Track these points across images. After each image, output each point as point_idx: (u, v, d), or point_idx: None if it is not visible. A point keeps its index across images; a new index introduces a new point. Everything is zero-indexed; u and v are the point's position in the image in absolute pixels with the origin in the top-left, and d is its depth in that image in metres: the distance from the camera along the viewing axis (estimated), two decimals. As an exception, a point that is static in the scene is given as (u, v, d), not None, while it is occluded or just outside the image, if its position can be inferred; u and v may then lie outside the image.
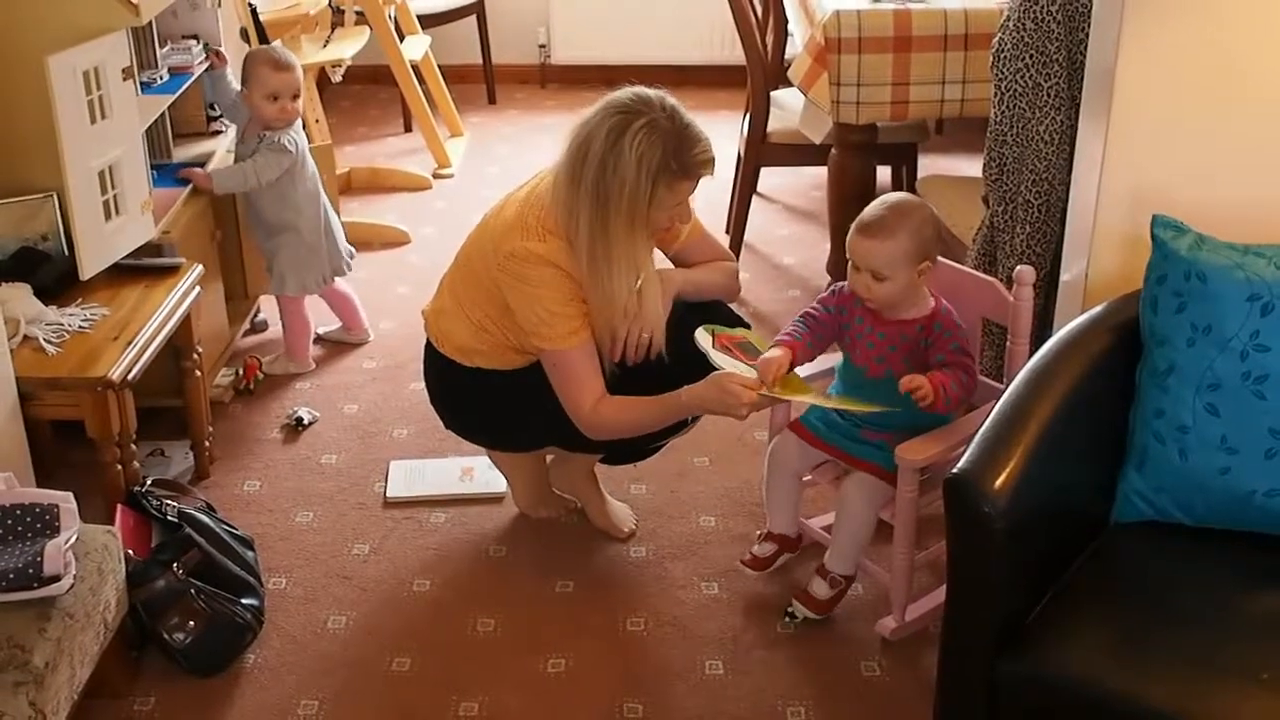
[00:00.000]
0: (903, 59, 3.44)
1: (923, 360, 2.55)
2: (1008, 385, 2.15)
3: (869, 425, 2.59)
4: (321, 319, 3.83)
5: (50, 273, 2.91)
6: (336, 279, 3.69)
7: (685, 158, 2.46)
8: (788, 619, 2.68)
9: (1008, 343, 2.64)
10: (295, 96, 3.43)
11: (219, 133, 3.74)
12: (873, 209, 2.54)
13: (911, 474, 2.48)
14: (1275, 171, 2.36)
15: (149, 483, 2.80)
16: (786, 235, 4.53)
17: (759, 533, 2.80)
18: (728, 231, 4.29)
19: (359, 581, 2.85)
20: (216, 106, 3.73)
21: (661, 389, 2.58)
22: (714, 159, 2.51)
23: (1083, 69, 2.50)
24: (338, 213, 3.78)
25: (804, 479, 2.77)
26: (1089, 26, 2.49)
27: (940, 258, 2.71)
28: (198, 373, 3.14)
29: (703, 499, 3.11)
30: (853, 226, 2.55)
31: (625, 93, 2.49)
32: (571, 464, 2.96)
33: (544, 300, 2.55)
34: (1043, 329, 2.77)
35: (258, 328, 3.91)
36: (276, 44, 3.74)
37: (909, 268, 2.50)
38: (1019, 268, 2.58)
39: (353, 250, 3.77)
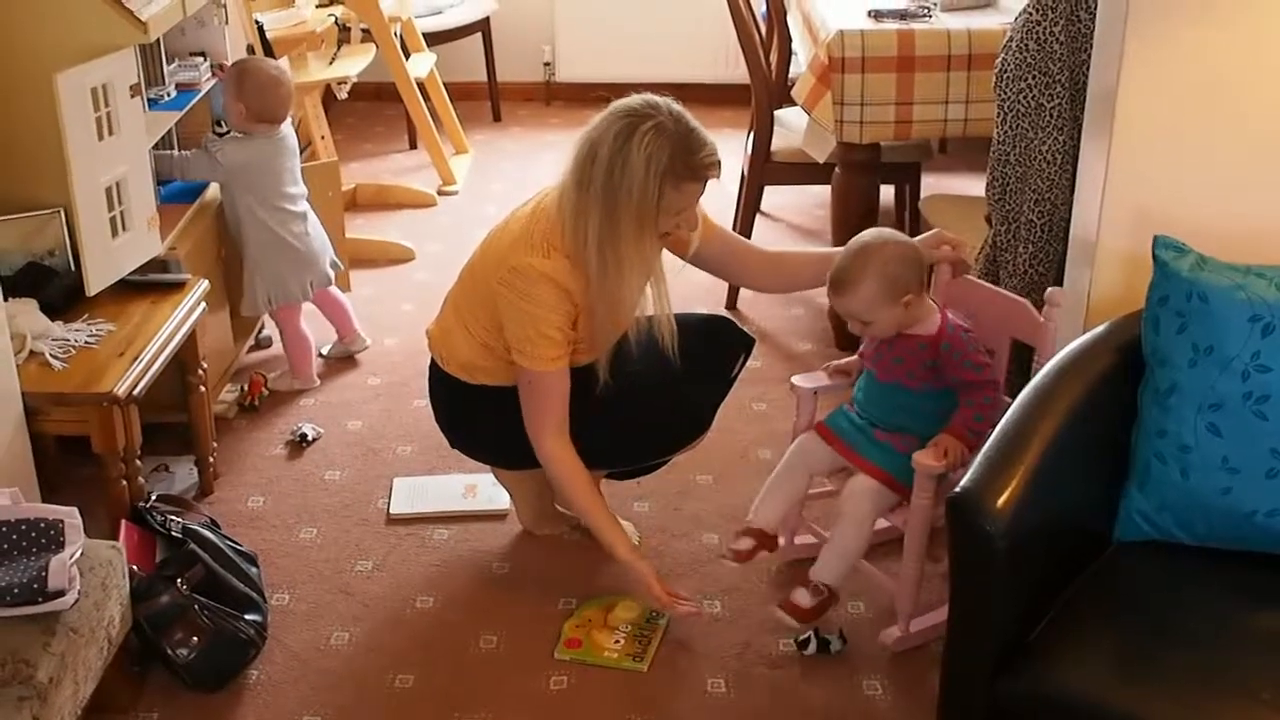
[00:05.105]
0: (906, 79, 3.46)
1: (934, 377, 2.57)
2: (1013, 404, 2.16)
3: (882, 426, 2.61)
4: (323, 338, 3.84)
5: (57, 288, 2.91)
6: (332, 287, 3.71)
7: (692, 160, 2.48)
8: (798, 647, 2.67)
9: (1034, 363, 2.64)
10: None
11: (225, 149, 3.75)
12: (839, 260, 2.59)
13: (927, 480, 2.49)
14: (1276, 192, 2.37)
15: (153, 498, 2.81)
16: (790, 253, 4.54)
17: (739, 529, 2.75)
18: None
19: (362, 598, 2.85)
20: (226, 121, 3.75)
21: (642, 408, 2.64)
22: (720, 162, 2.53)
23: (1085, 90, 2.51)
24: (332, 232, 3.78)
25: (813, 486, 2.77)
26: (1091, 48, 2.50)
27: (969, 277, 2.73)
28: (202, 388, 3.15)
29: (705, 517, 3.11)
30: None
31: (633, 98, 2.51)
32: (575, 481, 2.97)
33: (537, 320, 2.56)
34: (1045, 348, 2.77)
35: (262, 344, 3.92)
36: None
37: (887, 307, 2.53)
38: (1050, 289, 2.58)
39: (334, 264, 3.74)
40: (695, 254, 2.82)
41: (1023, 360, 2.93)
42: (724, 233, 2.90)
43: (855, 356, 2.79)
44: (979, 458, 2.02)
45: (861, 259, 2.54)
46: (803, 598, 2.61)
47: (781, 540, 2.91)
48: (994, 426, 2.52)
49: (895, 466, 2.56)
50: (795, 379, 2.81)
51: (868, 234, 2.60)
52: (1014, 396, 2.77)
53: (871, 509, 2.59)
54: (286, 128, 3.57)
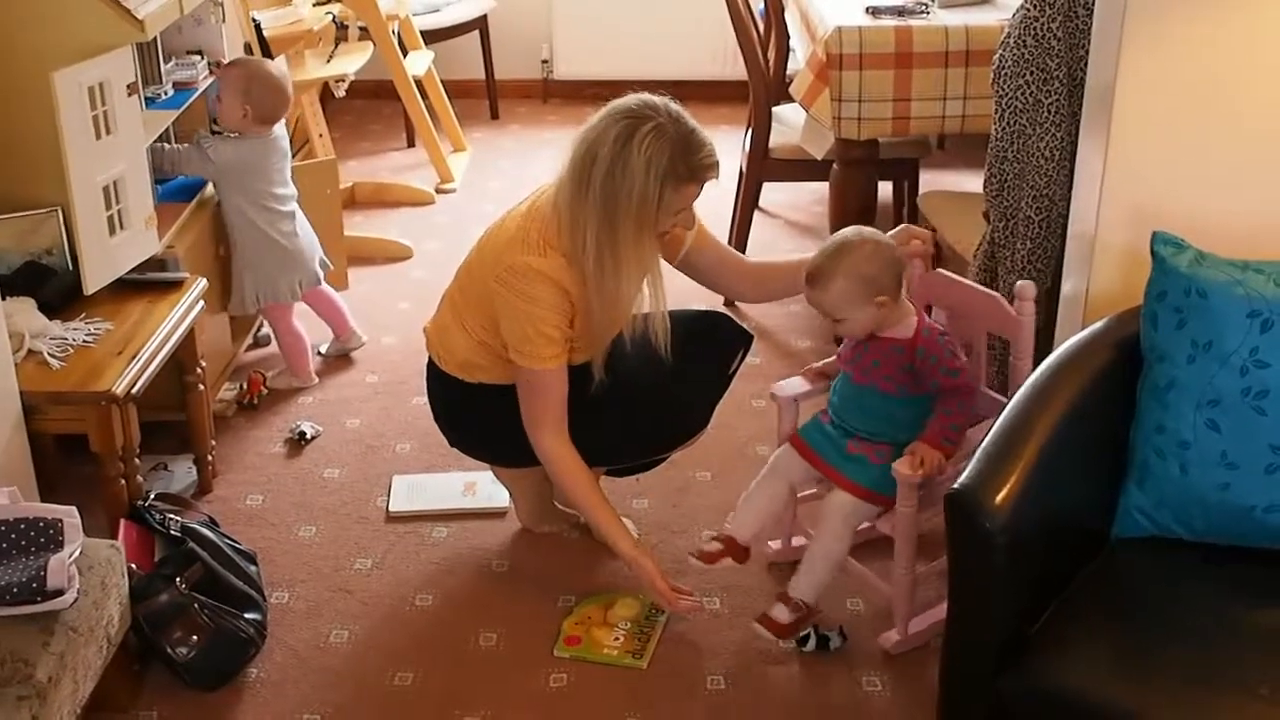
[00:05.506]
0: (904, 75, 3.46)
1: (911, 381, 2.56)
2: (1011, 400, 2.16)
3: (856, 434, 2.60)
4: (320, 337, 3.84)
5: (55, 287, 2.91)
6: (323, 286, 3.71)
7: (692, 161, 2.47)
8: (798, 644, 2.66)
9: (1011, 358, 2.65)
10: (218, 97, 3.49)
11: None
12: (816, 255, 2.57)
13: (909, 490, 2.49)
14: (1275, 188, 2.37)
15: (152, 497, 2.80)
16: (788, 250, 4.53)
17: (714, 534, 2.76)
18: (730, 246, 4.30)
19: (361, 596, 2.86)
20: (220, 120, 3.75)
21: (639, 405, 2.65)
22: (718, 163, 2.53)
23: (1083, 86, 2.51)
24: (330, 230, 3.76)
25: (799, 495, 2.77)
26: (1089, 44, 2.50)
27: (943, 271, 2.73)
28: (201, 387, 3.15)
29: (704, 513, 3.11)
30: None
31: (630, 99, 2.51)
32: (574, 478, 2.97)
33: (534, 318, 2.56)
34: (1044, 345, 2.77)
35: (261, 342, 3.92)
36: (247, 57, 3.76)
37: (860, 305, 2.52)
38: (1020, 283, 2.59)
39: (323, 264, 3.73)
40: (685, 259, 2.82)
41: (999, 353, 2.94)
42: (716, 242, 2.89)
43: (833, 358, 2.78)
44: (978, 454, 2.02)
45: (837, 256, 2.53)
46: (781, 614, 2.60)
47: (779, 544, 2.92)
48: (970, 422, 2.55)
49: (870, 479, 2.54)
50: (775, 386, 2.79)
51: (848, 231, 2.59)
52: (992, 388, 2.79)
53: (848, 524, 2.58)
54: (279, 128, 3.57)
